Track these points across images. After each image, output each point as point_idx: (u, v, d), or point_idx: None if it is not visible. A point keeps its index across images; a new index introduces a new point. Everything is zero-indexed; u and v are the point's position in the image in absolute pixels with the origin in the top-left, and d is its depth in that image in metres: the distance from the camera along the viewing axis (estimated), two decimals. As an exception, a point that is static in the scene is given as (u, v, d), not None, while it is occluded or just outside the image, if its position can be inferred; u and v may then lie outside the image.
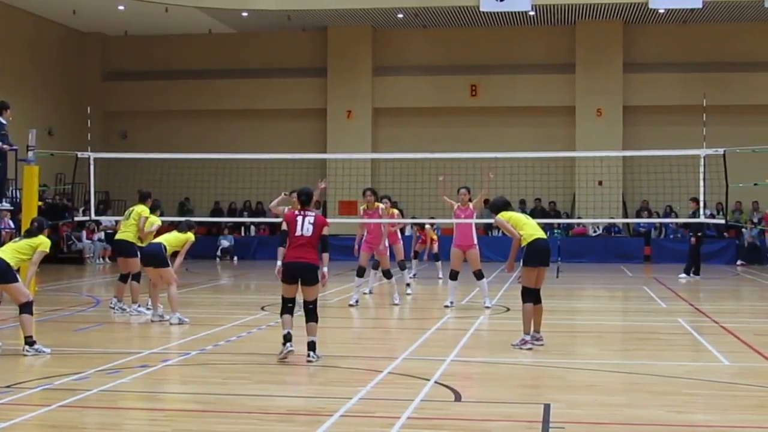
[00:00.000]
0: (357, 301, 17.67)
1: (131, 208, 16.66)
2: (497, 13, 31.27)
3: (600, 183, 30.03)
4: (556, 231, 33.32)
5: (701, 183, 18.76)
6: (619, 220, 32.70)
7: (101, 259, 31.51)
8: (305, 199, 11.49)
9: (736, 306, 19.43)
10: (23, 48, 32.95)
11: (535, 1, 29.73)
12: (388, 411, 8.62)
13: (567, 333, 14.54)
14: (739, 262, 31.43)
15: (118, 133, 36.69)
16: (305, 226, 11.25)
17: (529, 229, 12.43)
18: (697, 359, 11.68)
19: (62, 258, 30.45)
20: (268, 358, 11.42)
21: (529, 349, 12.02)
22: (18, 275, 11.88)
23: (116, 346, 12.50)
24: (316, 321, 11.31)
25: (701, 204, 19.61)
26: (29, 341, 11.55)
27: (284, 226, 11.29)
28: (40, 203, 18.29)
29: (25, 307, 11.66)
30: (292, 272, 11.20)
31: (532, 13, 31.78)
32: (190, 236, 15.25)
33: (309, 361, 11.10)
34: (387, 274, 18.02)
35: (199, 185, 30.11)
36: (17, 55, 32.60)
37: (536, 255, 12.32)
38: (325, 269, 11.38)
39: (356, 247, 18.29)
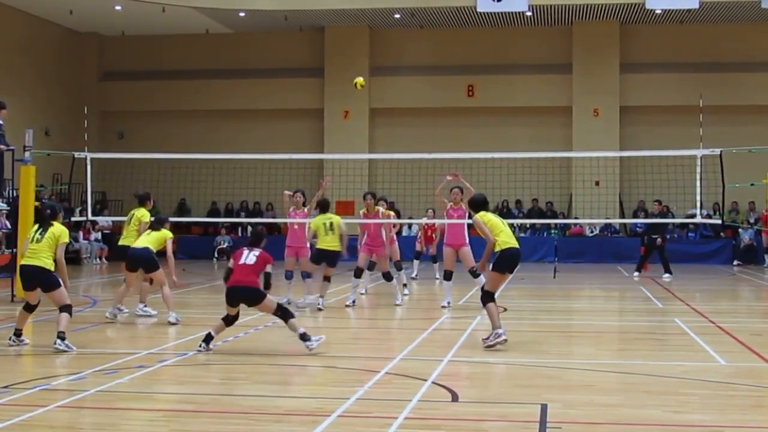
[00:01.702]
0: (354, 302, 17.70)
1: (132, 212, 16.47)
2: (494, 13, 31.29)
3: (597, 183, 30.06)
4: (553, 231, 33.37)
5: (698, 183, 18.78)
6: (616, 221, 32.73)
7: (98, 259, 31.51)
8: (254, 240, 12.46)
9: (732, 306, 19.45)
10: (20, 48, 32.94)
11: (532, 1, 29.75)
12: (385, 411, 8.62)
13: (564, 333, 14.56)
14: (735, 263, 31.47)
15: (115, 133, 36.69)
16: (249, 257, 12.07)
17: (504, 236, 12.58)
18: (693, 359, 11.68)
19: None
20: (265, 359, 11.43)
21: (505, 341, 12.12)
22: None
23: (113, 347, 12.51)
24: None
25: (698, 204, 19.61)
26: (62, 335, 11.92)
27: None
28: (36, 203, 18.28)
29: (67, 308, 12.12)
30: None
31: (528, 13, 31.81)
32: (167, 233, 15.24)
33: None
34: (387, 277, 17.98)
35: (196, 185, 30.10)
36: (14, 55, 32.59)
37: (508, 263, 12.57)
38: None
39: (357, 247, 18.40)
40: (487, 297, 12.50)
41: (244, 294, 11.91)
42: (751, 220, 32.32)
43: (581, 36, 34.58)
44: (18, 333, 12.26)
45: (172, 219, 17.85)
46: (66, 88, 35.63)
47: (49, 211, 12.50)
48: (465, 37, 35.20)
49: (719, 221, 23.66)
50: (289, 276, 17.89)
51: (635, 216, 32.88)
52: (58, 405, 8.76)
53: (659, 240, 25.59)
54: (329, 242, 16.75)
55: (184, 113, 36.69)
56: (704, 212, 22.94)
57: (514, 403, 9.15)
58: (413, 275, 23.78)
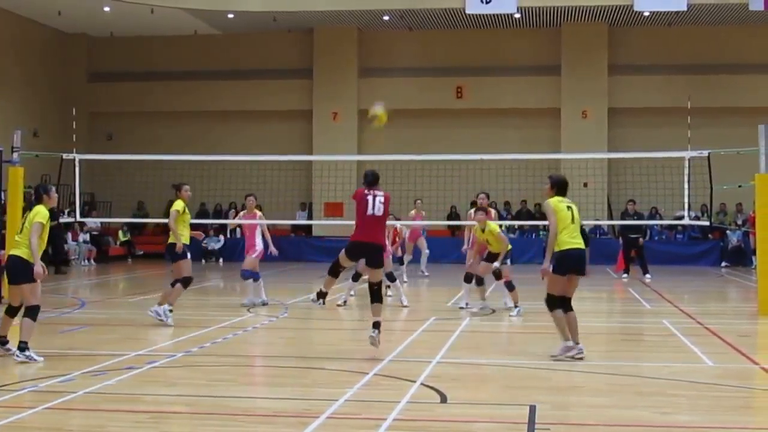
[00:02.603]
0: (345, 302, 17.73)
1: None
2: (483, 15, 31.32)
3: (585, 185, 30.07)
4: (542, 233, 33.39)
5: (686, 185, 18.83)
6: (604, 222, 32.76)
7: (86, 260, 31.43)
8: (371, 180, 11.65)
9: (720, 307, 19.49)
10: (8, 49, 32.85)
11: (521, 3, 29.80)
12: (373, 413, 8.62)
13: (552, 334, 14.57)
14: (723, 264, 31.56)
15: (104, 135, 36.61)
16: (376, 205, 11.48)
17: (565, 234, 11.60)
18: (681, 360, 11.72)
19: (47, 260, 30.29)
20: (254, 360, 11.42)
21: (581, 359, 11.39)
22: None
23: (102, 348, 12.48)
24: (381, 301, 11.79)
25: (686, 206, 19.65)
26: (23, 346, 11.15)
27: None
28: (24, 204, 18.24)
29: (31, 311, 11.26)
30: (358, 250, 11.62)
31: (517, 15, 31.85)
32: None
33: (372, 338, 11.56)
34: (390, 277, 17.90)
35: (185, 187, 30.01)
36: (2, 55, 32.51)
37: (566, 264, 11.51)
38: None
39: None
40: (550, 303, 11.66)
41: (370, 251, 11.47)
42: (739, 222, 32.40)
43: (570, 38, 34.64)
44: (3, 341, 11.54)
45: (159, 221, 17.81)
46: (54, 89, 35.55)
47: (34, 193, 11.89)
48: (454, 39, 35.22)
49: (707, 223, 23.66)
50: (246, 276, 17.97)
51: (623, 218, 32.91)
52: (46, 407, 8.74)
53: (641, 240, 25.72)
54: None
55: (173, 114, 36.63)
56: (692, 214, 23.00)
57: (502, 404, 9.16)
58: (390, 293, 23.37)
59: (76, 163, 20.05)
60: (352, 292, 19.28)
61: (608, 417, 8.54)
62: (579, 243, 11.61)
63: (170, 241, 15.40)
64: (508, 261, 16.63)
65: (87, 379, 10.04)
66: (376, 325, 11.55)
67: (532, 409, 8.71)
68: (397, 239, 22.47)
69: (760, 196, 17.14)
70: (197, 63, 36.64)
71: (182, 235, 15.26)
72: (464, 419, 8.48)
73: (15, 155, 18.27)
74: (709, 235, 32.94)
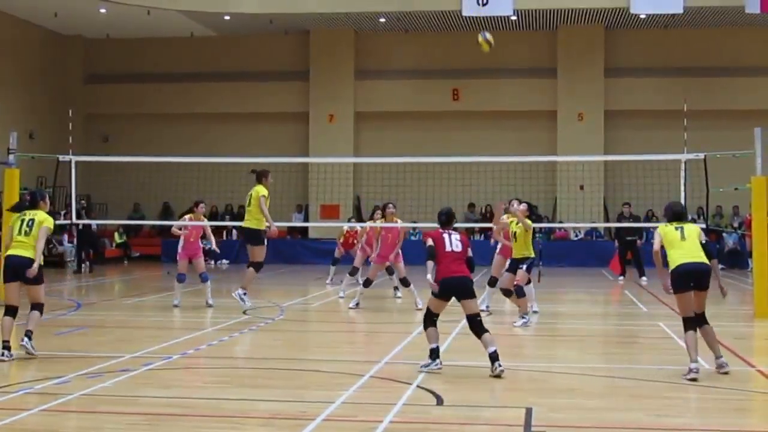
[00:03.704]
0: (357, 304, 17.77)
1: (249, 193, 16.93)
2: (479, 17, 31.32)
3: (581, 187, 30.12)
4: (538, 235, 33.35)
5: (682, 187, 18.84)
6: (600, 225, 32.78)
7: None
8: (445, 220, 11.37)
9: (716, 310, 19.43)
10: (3, 50, 32.80)
11: (517, 5, 29.80)
12: (370, 415, 8.62)
13: (548, 336, 14.59)
14: (719, 267, 31.53)
15: (100, 136, 36.59)
16: (453, 242, 11.14)
17: (674, 253, 11.40)
18: (677, 363, 11.71)
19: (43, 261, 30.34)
20: (250, 362, 11.42)
21: (694, 379, 10.53)
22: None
23: (97, 350, 12.46)
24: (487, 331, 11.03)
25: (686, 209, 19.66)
26: (29, 334, 11.62)
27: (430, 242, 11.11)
28: (14, 205, 18.20)
29: (40, 307, 11.83)
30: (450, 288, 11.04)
31: (513, 17, 31.86)
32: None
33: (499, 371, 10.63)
34: (405, 282, 17.85)
35: (181, 188, 30.03)
36: (-2, 57, 32.49)
37: (680, 280, 11.18)
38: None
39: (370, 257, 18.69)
40: (685, 323, 11.11)
41: (462, 286, 10.99)
42: (735, 225, 32.43)
43: (566, 40, 34.65)
44: (6, 346, 11.54)
45: (155, 222, 17.96)
46: (50, 91, 35.50)
47: (29, 197, 12.10)
48: (450, 41, 35.21)
49: (703, 225, 23.70)
50: (181, 279, 18.14)
51: (620, 220, 32.93)
52: (41, 408, 8.74)
53: (638, 242, 25.78)
54: None
55: (169, 116, 36.60)
56: (689, 216, 23.00)
57: (498, 406, 9.17)
58: (328, 281, 23.22)
59: (72, 165, 20.03)
60: (341, 295, 19.39)
61: (604, 419, 8.54)
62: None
63: (251, 226, 16.63)
64: (524, 266, 15.92)
65: (83, 381, 10.03)
66: (494, 358, 10.72)
67: (528, 412, 8.71)
68: (354, 243, 22.06)
69: (756, 198, 17.16)
70: (193, 65, 36.62)
71: (261, 221, 16.51)
72: (460, 422, 8.48)
73: (11, 157, 18.27)
74: (706, 238, 32.94)
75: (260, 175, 16.95)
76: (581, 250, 33.05)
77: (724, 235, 32.12)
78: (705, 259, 11.28)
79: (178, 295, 18.09)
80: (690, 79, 33.63)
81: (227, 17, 33.13)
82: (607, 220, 33.20)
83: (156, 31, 35.08)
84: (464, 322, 14.25)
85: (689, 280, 11.06)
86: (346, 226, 23.72)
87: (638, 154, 25.67)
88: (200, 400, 9.30)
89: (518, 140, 33.86)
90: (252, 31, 35.40)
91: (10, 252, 11.76)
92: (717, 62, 34.09)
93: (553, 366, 11.49)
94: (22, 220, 11.80)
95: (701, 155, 18.37)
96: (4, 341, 11.51)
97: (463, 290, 10.97)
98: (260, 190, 16.63)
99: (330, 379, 10.65)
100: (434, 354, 10.98)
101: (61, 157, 20.02)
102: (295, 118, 35.99)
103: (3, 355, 11.44)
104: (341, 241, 23.42)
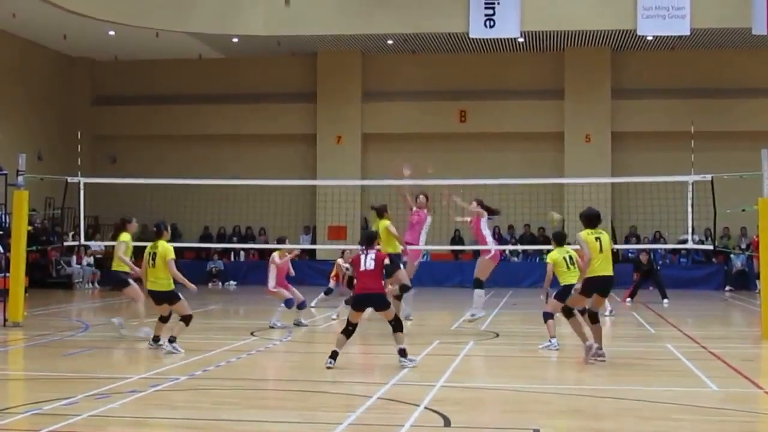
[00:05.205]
0: (338, 315, 17.89)
1: (374, 228, 17.99)
2: (486, 39, 31.42)
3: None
4: (545, 256, 33.34)
5: (689, 209, 18.84)
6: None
7: (90, 284, 31.45)
8: (365, 242, 13.32)
9: (724, 331, 19.45)
10: (13, 72, 32.96)
11: (524, 27, 29.89)
12: (377, 436, 8.62)
13: (555, 358, 14.56)
14: (727, 288, 31.52)
15: (108, 158, 36.67)
16: (368, 262, 12.84)
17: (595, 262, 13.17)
18: (684, 384, 11.70)
19: (51, 282, 30.46)
20: (258, 383, 11.42)
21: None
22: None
23: (106, 371, 12.47)
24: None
25: (690, 230, 19.66)
26: (173, 339, 13.97)
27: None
28: (29, 228, 18.27)
29: (186, 319, 14.29)
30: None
31: (521, 39, 31.93)
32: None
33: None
34: (403, 288, 17.68)
35: (189, 210, 30.11)
36: (7, 79, 32.60)
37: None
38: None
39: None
40: (568, 312, 13.65)
41: (372, 300, 12.93)
42: (743, 246, 32.40)
43: (573, 62, 34.73)
44: (156, 339, 14.42)
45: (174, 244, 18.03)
46: (59, 113, 35.64)
47: (155, 228, 14.60)
48: (457, 63, 35.31)
49: (711, 247, 23.72)
50: (290, 304, 18.19)
51: (627, 242, 32.93)
52: (49, 430, 8.73)
53: (657, 266, 25.89)
54: None
55: (177, 138, 36.69)
56: (696, 238, 22.99)
57: (506, 428, 9.15)
58: (313, 304, 22.38)
59: (81, 186, 20.09)
60: (333, 315, 19.43)
61: (612, 441, 8.53)
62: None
63: (391, 251, 16.99)
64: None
65: (91, 402, 10.04)
66: (401, 353, 12.33)
67: (536, 433, 8.70)
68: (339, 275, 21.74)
69: (763, 220, 17.14)
70: (202, 87, 36.74)
71: (396, 245, 17.53)
72: (468, 443, 8.47)
73: (20, 178, 18.32)
74: (713, 259, 32.94)
75: (381, 210, 18.09)
76: (589, 271, 32.94)
77: (732, 256, 32.09)
78: (612, 271, 13.30)
79: (279, 316, 18.23)
80: (697, 101, 33.66)
81: (235, 39, 33.28)
82: (614, 241, 33.16)
83: (164, 53, 35.24)
84: (471, 344, 14.26)
85: (600, 288, 13.19)
86: (340, 260, 23.00)
87: (645, 176, 25.66)
88: (208, 422, 9.30)
89: (525, 162, 33.90)
90: (260, 53, 35.54)
91: (149, 287, 14.47)
92: (724, 84, 34.12)
93: (560, 387, 11.47)
94: (149, 254, 14.44)
95: (708, 176, 18.36)
96: (154, 336, 14.53)
97: (376, 303, 13.00)
98: (385, 222, 17.63)
99: (338, 400, 10.65)
100: (332, 355, 12.62)
101: (69, 179, 20.08)
102: (302, 139, 36.07)
103: (150, 344, 14.45)
104: (333, 274, 22.87)
